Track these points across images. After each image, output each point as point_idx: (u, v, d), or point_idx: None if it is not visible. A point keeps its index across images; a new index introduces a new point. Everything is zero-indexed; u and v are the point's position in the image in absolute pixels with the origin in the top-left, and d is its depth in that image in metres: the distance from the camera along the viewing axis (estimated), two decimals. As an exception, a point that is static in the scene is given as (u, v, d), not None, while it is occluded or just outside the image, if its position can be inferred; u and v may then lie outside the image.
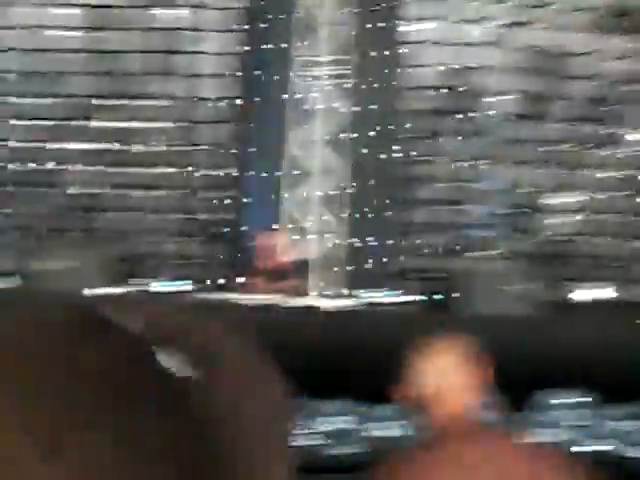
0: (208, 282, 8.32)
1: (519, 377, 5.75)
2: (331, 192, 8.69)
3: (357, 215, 8.60)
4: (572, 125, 8.42)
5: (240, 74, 8.80)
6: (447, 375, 2.00)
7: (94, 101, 8.74)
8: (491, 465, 1.92)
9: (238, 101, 8.72)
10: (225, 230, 8.70)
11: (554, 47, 8.33)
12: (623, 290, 7.96)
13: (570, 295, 8.10)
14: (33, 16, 8.80)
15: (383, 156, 8.64)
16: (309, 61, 8.81)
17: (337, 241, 8.69)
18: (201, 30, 8.57)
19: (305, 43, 8.79)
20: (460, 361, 2.01)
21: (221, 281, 8.31)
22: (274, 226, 8.19)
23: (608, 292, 7.85)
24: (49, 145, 8.77)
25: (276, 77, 8.89)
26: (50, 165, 8.67)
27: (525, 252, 8.38)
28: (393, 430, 5.51)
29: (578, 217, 8.41)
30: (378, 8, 8.60)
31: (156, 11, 8.77)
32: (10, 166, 8.78)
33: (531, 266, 8.28)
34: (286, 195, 8.74)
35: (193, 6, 8.65)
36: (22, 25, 8.79)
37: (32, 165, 8.63)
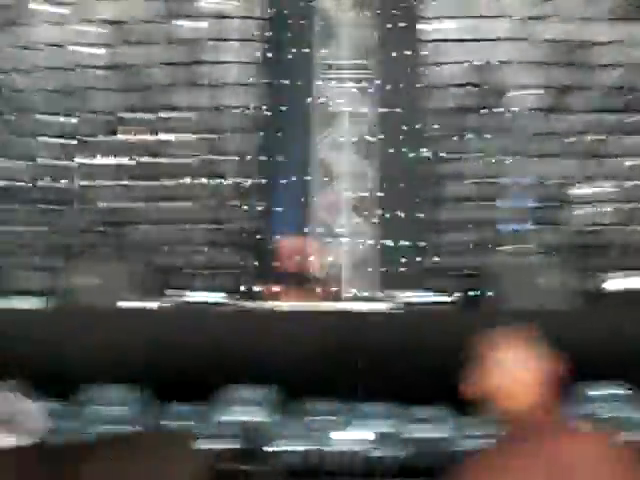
0: (240, 290, 8.32)
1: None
2: (361, 194, 8.64)
3: (387, 216, 8.54)
4: (598, 114, 8.29)
5: (264, 82, 8.80)
6: (520, 369, 1.90)
7: (120, 115, 8.79)
8: (587, 465, 1.80)
9: (263, 109, 8.72)
10: (256, 238, 8.69)
11: (576, 38, 8.22)
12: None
13: (603, 286, 7.96)
14: (56, 34, 8.89)
15: (411, 156, 8.57)
16: (332, 65, 8.78)
17: (369, 243, 8.63)
18: (223, 40, 8.59)
19: (327, 48, 8.77)
20: (531, 354, 1.91)
21: (253, 289, 8.30)
22: (304, 231, 8.15)
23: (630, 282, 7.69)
24: (77, 161, 8.84)
25: (299, 83, 8.87)
26: (79, 181, 8.73)
27: (557, 244, 8.26)
28: (435, 432, 5.43)
29: (608, 207, 8.27)
30: (397, 10, 8.55)
31: (177, 22, 8.81)
32: (40, 183, 8.87)
33: (563, 258, 8.16)
34: (315, 199, 8.71)
35: (214, 16, 8.67)
36: (46, 43, 8.90)
37: (62, 181, 8.70)
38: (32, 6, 8.91)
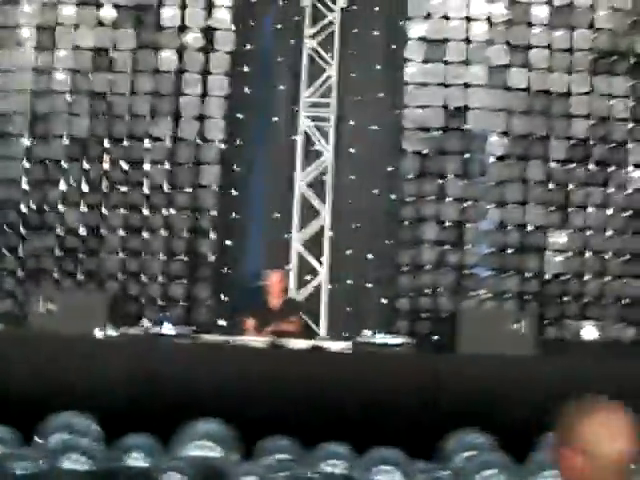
0: (213, 324, 8.40)
1: (521, 418, 5.75)
2: (334, 232, 8.75)
3: (360, 255, 8.65)
4: (568, 165, 8.49)
5: (240, 116, 8.91)
6: (620, 458, 1.92)
7: (98, 142, 8.88)
8: None
9: (239, 143, 8.83)
10: (228, 272, 8.77)
11: (550, 87, 8.45)
12: (608, 330, 8.01)
13: (565, 334, 8.13)
14: (40, 58, 9.00)
15: (381, 197, 8.70)
16: (313, 102, 8.93)
17: (341, 281, 8.74)
18: (202, 72, 8.71)
19: (307, 86, 8.91)
20: (631, 441, 1.92)
21: (223, 323, 8.38)
22: (281, 267, 8.21)
23: (594, 332, 7.88)
24: (55, 188, 8.90)
25: (276, 119, 8.98)
26: (52, 206, 8.79)
27: (520, 291, 8.42)
28: (389, 476, 5.51)
29: (572, 256, 8.46)
30: (375, 52, 8.71)
31: (161, 53, 8.93)
32: (22, 208, 8.94)
33: (526, 305, 8.32)
34: (294, 235, 8.81)
35: (193, 49, 8.80)
36: (29, 67, 9.00)
37: (33, 207, 8.75)
38: (17, 31, 9.03)
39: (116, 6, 8.97)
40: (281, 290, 7.43)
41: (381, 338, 6.96)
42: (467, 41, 8.57)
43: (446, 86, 8.59)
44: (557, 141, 8.51)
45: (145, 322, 7.07)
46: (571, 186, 8.54)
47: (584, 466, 1.72)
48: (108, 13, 9.02)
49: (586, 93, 8.46)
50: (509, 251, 8.54)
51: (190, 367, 6.01)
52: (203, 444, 5.15)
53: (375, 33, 8.77)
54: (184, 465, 4.91)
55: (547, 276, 8.46)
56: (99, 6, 8.98)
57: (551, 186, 8.57)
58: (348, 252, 8.71)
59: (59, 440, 5.06)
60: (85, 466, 4.91)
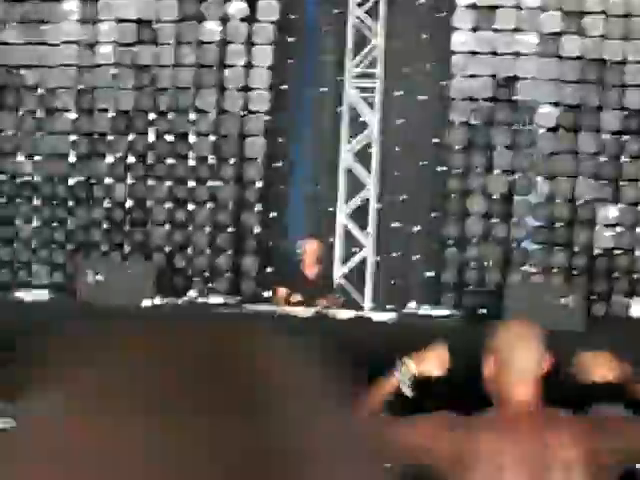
0: (259, 295, 8.39)
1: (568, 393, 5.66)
2: (380, 204, 8.67)
3: (404, 227, 8.57)
4: (621, 137, 8.26)
5: (286, 87, 8.85)
6: (526, 361, 2.13)
7: (147, 116, 8.89)
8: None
9: (284, 114, 8.77)
10: (273, 244, 8.76)
11: (604, 56, 8.20)
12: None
13: (614, 310, 7.96)
14: (83, 32, 9.01)
15: (428, 169, 8.59)
16: (358, 73, 8.82)
17: (387, 254, 8.67)
18: (246, 43, 8.64)
19: (353, 56, 8.80)
20: (537, 349, 2.14)
21: (263, 294, 8.37)
22: (318, 237, 8.12)
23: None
24: (105, 160, 8.96)
25: (321, 90, 8.89)
26: (104, 179, 8.86)
27: (570, 265, 8.25)
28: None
29: (625, 231, 8.25)
30: (422, 21, 8.56)
31: (204, 25, 8.89)
32: (70, 181, 9.01)
33: (576, 280, 8.16)
34: (339, 207, 8.75)
35: (239, 19, 8.74)
36: (72, 41, 9.01)
37: (81, 179, 8.83)
38: (60, 4, 9.04)
39: (159, -22, 8.92)
40: (316, 259, 7.28)
41: (426, 310, 6.89)
42: (518, 8, 8.35)
43: (495, 55, 8.40)
44: (610, 112, 8.26)
45: (192, 292, 7.09)
46: (623, 159, 8.31)
47: (496, 372, 2.00)
48: (151, -15, 8.97)
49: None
50: (558, 225, 8.37)
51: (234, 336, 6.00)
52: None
53: (422, 1, 8.60)
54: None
55: (596, 251, 8.27)
56: (142, -22, 8.94)
57: (602, 159, 8.35)
58: (394, 224, 8.62)
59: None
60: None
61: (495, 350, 2.11)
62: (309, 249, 7.36)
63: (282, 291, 7.13)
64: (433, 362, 2.33)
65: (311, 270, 7.28)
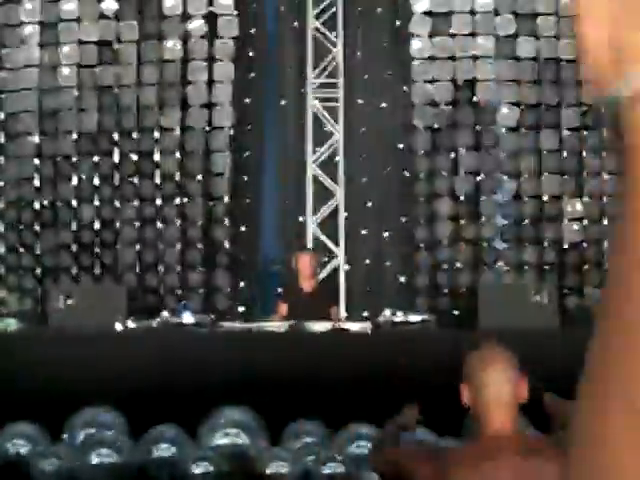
0: (232, 311, 8.39)
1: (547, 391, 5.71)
2: (348, 212, 8.71)
3: (375, 234, 8.62)
4: (581, 132, 8.40)
5: (249, 101, 8.87)
6: (498, 388, 2.16)
7: (111, 136, 8.87)
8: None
9: (248, 128, 8.79)
10: (244, 258, 8.76)
11: (555, 55, 8.35)
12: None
13: (586, 302, 8.07)
14: (46, 55, 8.98)
15: (394, 174, 8.66)
16: (320, 83, 8.87)
17: (358, 262, 8.71)
18: (206, 59, 8.66)
19: (314, 67, 8.85)
20: (509, 375, 2.18)
21: (239, 310, 8.36)
22: (303, 251, 8.09)
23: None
24: (71, 183, 8.91)
25: (284, 102, 8.93)
26: (70, 202, 8.81)
27: (539, 262, 8.35)
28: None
29: (588, 224, 8.38)
30: (380, 29, 8.63)
31: (164, 43, 8.90)
32: (36, 205, 8.96)
33: (545, 276, 8.26)
34: (308, 217, 8.78)
35: (198, 36, 8.76)
36: (35, 64, 8.98)
37: (45, 202, 8.78)
38: (20, 29, 9.00)
39: (117, -2, 8.92)
40: (312, 272, 7.29)
41: (401, 317, 6.92)
42: (472, 12, 8.46)
43: (454, 59, 8.50)
44: (568, 109, 8.40)
45: (165, 313, 7.07)
46: (585, 153, 8.44)
47: (471, 400, 2.02)
48: (110, 5, 8.97)
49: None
50: (525, 222, 8.47)
51: (213, 355, 6.01)
52: (230, 432, 5.15)
53: (379, 10, 8.69)
54: (212, 454, 4.93)
55: (565, 245, 8.38)
56: (100, -1, 8.93)
57: (565, 154, 8.48)
58: (363, 232, 8.67)
59: (86, 435, 5.08)
60: (113, 459, 4.93)
61: (468, 377, 2.14)
62: (302, 262, 7.35)
63: (284, 307, 7.11)
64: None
65: (307, 283, 7.28)
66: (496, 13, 8.49)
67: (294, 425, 5.39)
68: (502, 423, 2.01)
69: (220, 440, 5.20)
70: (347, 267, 8.71)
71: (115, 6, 8.95)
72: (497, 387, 2.02)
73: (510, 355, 2.16)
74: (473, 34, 8.52)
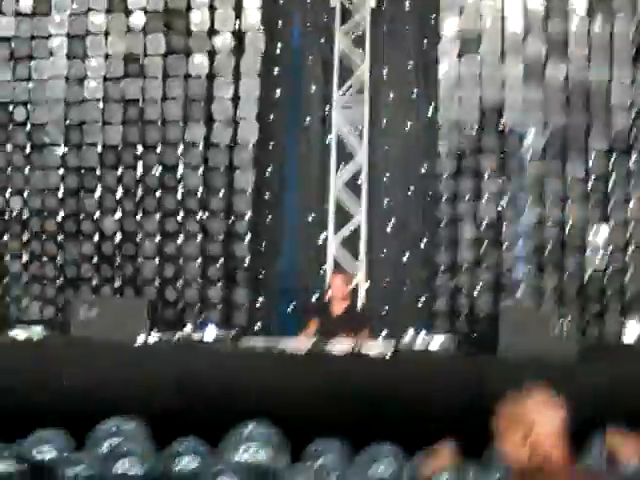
0: (251, 326, 8.36)
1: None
2: (369, 233, 8.68)
3: (396, 256, 8.57)
4: (609, 158, 8.34)
5: (273, 118, 8.87)
6: (542, 424, 2.14)
7: (135, 149, 8.90)
8: None
9: (271, 144, 8.79)
10: (265, 274, 8.73)
11: (588, 80, 8.29)
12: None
13: (608, 332, 7.97)
14: (73, 67, 9.03)
15: (423, 195, 8.62)
16: (345, 102, 8.87)
17: (378, 282, 8.66)
18: (232, 75, 8.68)
19: (341, 85, 8.85)
20: (550, 411, 2.16)
21: (261, 325, 8.33)
22: (326, 269, 8.00)
23: (637, 329, 7.66)
24: (94, 195, 8.94)
25: (308, 120, 8.91)
26: (93, 213, 8.84)
27: (563, 290, 8.29)
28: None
29: (615, 251, 8.30)
30: (408, 50, 8.62)
31: (191, 58, 8.93)
32: (59, 216, 8.99)
33: (566, 303, 8.18)
34: (329, 236, 8.75)
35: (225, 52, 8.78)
36: (62, 76, 9.03)
37: (71, 214, 8.81)
38: (48, 41, 9.07)
39: (145, 12, 8.98)
40: (344, 294, 7.25)
41: (422, 339, 6.86)
42: (502, 35, 8.45)
43: (481, 82, 8.48)
44: (597, 135, 8.35)
45: (188, 327, 7.06)
46: (612, 180, 8.38)
47: (527, 445, 2.03)
48: (137, 19, 9.03)
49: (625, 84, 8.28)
50: (548, 249, 8.42)
51: (235, 370, 5.98)
52: (251, 447, 5.11)
53: (407, 30, 8.68)
54: (234, 468, 4.88)
55: (588, 273, 8.31)
56: (128, 13, 8.98)
57: (591, 181, 8.42)
58: (384, 253, 8.63)
59: (110, 445, 5.06)
60: (136, 471, 4.90)
61: (517, 420, 2.12)
62: (335, 284, 7.31)
63: (313, 325, 7.08)
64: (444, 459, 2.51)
65: (338, 305, 7.24)
66: (526, 35, 8.46)
67: (316, 442, 5.35)
68: (557, 459, 2.00)
69: (242, 455, 5.16)
70: (367, 286, 8.67)
71: (143, 20, 9.00)
72: (552, 426, 2.02)
73: (553, 394, 2.16)
74: (502, 57, 8.49)
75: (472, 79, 8.50)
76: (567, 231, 8.39)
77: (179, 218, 8.85)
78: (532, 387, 2.22)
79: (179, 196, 8.87)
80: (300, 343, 6.58)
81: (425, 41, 8.70)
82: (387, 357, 6.46)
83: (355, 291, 8.61)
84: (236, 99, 8.80)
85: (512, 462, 2.11)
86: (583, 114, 8.37)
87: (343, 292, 7.29)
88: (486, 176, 8.53)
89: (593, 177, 8.36)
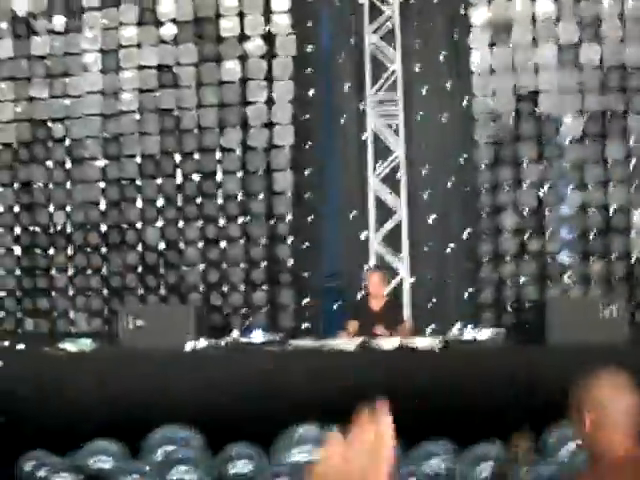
0: (298, 328, 8.37)
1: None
2: (411, 227, 8.64)
3: (439, 249, 8.53)
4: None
5: (308, 119, 8.89)
6: (627, 413, 2.14)
7: (173, 158, 8.97)
8: None
9: (309, 145, 8.80)
10: (309, 275, 8.75)
11: (623, 60, 8.16)
12: None
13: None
14: (106, 81, 9.13)
15: (462, 187, 8.57)
16: (379, 98, 8.84)
17: (422, 277, 8.63)
18: (266, 79, 8.71)
19: (374, 81, 8.82)
20: (634, 399, 2.16)
21: (307, 326, 8.34)
22: (373, 270, 8.02)
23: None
24: (135, 205, 9.03)
25: (343, 119, 8.91)
26: (135, 223, 8.93)
27: (605, 275, 8.17)
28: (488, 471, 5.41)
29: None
30: (440, 41, 8.57)
31: (223, 64, 8.97)
32: (102, 228, 9.09)
33: (614, 289, 8.07)
34: (371, 233, 8.74)
35: (257, 56, 8.81)
36: (97, 91, 9.13)
37: (113, 224, 8.92)
38: (82, 56, 9.18)
39: (175, 22, 9.04)
40: (381, 291, 7.26)
41: (469, 332, 6.82)
42: (533, 20, 8.36)
43: (515, 70, 8.40)
44: (635, 117, 8.21)
45: (235, 332, 7.09)
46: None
47: (596, 428, 2.04)
48: (168, 30, 9.10)
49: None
50: (592, 234, 8.31)
51: (284, 373, 6.00)
52: (304, 449, 5.12)
53: (436, 23, 8.63)
54: (288, 471, 4.90)
55: (634, 257, 8.19)
56: (159, 24, 9.06)
57: (632, 163, 8.29)
58: (427, 247, 8.59)
59: (165, 452, 5.11)
60: (191, 476, 4.95)
61: (592, 406, 2.12)
62: (372, 281, 7.32)
63: (354, 324, 7.09)
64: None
65: (375, 302, 7.25)
66: (557, 20, 8.35)
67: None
68: (627, 449, 1.99)
69: (295, 457, 5.17)
70: (411, 281, 8.64)
71: (174, 30, 9.07)
72: (626, 414, 2.02)
73: (628, 378, 2.16)
74: (534, 43, 8.40)
75: (505, 67, 8.42)
76: (610, 215, 8.26)
77: (220, 224, 8.89)
78: (604, 372, 2.22)
79: (219, 202, 8.92)
80: (348, 342, 6.58)
81: (456, 32, 8.64)
82: (436, 351, 6.44)
83: (399, 287, 8.60)
84: (270, 102, 8.82)
85: (588, 447, 2.10)
86: (620, 95, 8.23)
87: (380, 289, 7.29)
88: (525, 164, 8.43)
89: (634, 159, 8.23)
